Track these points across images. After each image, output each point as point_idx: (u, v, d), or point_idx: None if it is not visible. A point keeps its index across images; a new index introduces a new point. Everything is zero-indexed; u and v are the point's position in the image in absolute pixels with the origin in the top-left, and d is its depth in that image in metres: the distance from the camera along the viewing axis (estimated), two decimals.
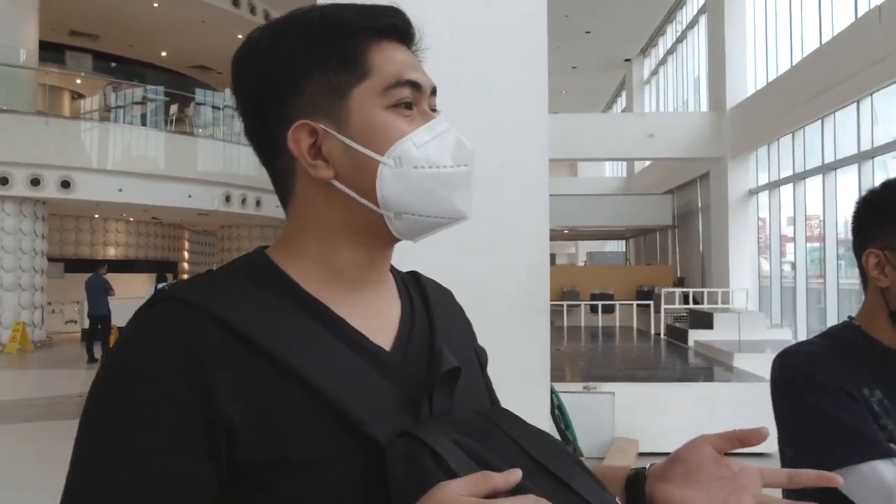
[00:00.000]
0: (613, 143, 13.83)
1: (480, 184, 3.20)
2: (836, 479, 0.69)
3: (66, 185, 12.10)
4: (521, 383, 4.12)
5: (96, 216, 16.76)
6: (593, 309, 13.30)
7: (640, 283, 14.48)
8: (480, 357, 0.82)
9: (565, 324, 12.84)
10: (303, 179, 0.70)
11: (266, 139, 0.70)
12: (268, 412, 0.60)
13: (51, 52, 15.78)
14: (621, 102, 23.97)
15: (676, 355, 7.79)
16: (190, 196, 14.68)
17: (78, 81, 16.92)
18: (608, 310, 13.19)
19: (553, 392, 4.71)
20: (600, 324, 12.44)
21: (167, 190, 13.92)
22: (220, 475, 0.59)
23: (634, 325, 12.43)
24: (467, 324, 0.85)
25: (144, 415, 0.58)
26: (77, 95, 16.70)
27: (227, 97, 17.45)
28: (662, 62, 19.23)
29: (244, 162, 16.10)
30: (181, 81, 18.09)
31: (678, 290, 12.09)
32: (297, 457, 0.59)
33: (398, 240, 0.71)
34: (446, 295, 0.84)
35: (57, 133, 12.53)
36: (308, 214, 0.70)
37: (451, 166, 0.69)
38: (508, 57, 4.15)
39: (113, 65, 17.34)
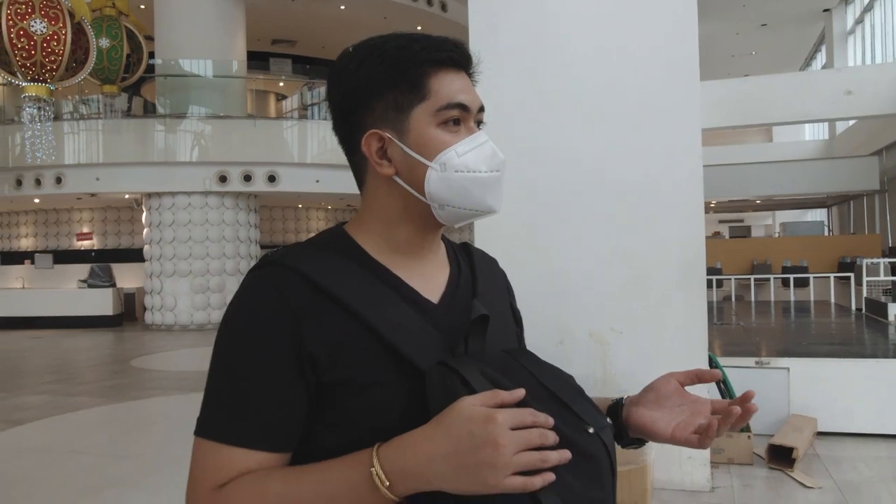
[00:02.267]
0: (808, 104, 12.78)
1: (631, 158, 3.46)
2: (749, 395, 0.84)
3: (272, 179, 13.51)
4: (676, 352, 4.22)
5: (299, 206, 18.41)
6: (785, 283, 12.48)
7: (843, 254, 13.31)
8: (516, 314, 1.03)
9: (753, 298, 12.17)
10: (372, 173, 0.88)
11: (348, 138, 0.88)
12: (339, 346, 0.78)
13: (257, 60, 17.56)
14: (821, 58, 21.90)
15: (871, 330, 7.21)
16: None
17: (280, 84, 18.62)
18: (802, 283, 12.31)
19: (716, 365, 4.71)
20: (792, 298, 11.65)
21: None
22: (309, 391, 0.79)
23: (832, 299, 11.51)
24: (507, 286, 1.04)
25: (257, 348, 0.78)
26: (280, 97, 18.44)
27: None
28: (869, 8, 17.34)
29: None
30: None
31: (884, 261, 11.02)
32: (360, 378, 0.78)
33: (444, 225, 0.89)
34: (490, 262, 1.02)
35: (264, 133, 14.00)
36: (375, 200, 0.89)
37: (486, 172, 0.85)
38: (656, 27, 4.22)
39: (308, 66, 18.89)
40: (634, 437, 0.93)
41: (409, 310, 0.83)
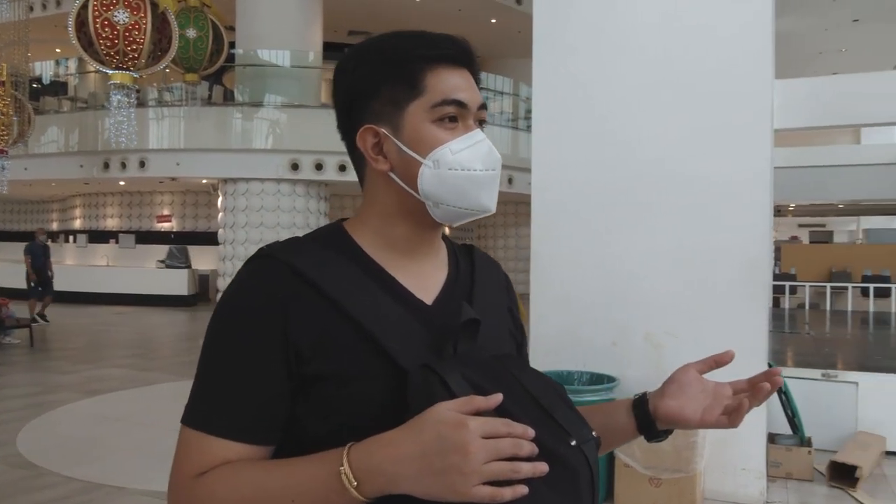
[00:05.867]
0: None
1: (694, 153, 3.44)
2: (775, 374, 0.87)
3: (342, 168, 13.72)
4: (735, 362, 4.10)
5: None
6: (864, 293, 11.89)
7: None
8: (516, 320, 0.99)
9: (828, 308, 11.65)
10: (370, 169, 0.88)
11: (348, 135, 0.89)
12: (323, 339, 0.78)
13: (332, 51, 17.86)
14: None
15: None
16: None
17: None
18: (882, 294, 11.69)
19: None
20: (871, 309, 11.08)
21: None
22: (293, 382, 0.78)
23: None
24: (508, 290, 1.01)
25: (242, 340, 0.79)
26: None
27: (489, 81, 18.29)
28: None
29: (515, 145, 16.81)
30: None
31: None
32: (341, 371, 0.78)
33: (443, 224, 0.88)
34: (492, 266, 1.01)
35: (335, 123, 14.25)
36: (373, 195, 0.89)
37: (481, 170, 0.84)
38: (729, 19, 4.06)
39: None
40: (661, 430, 0.94)
41: (395, 307, 0.82)
